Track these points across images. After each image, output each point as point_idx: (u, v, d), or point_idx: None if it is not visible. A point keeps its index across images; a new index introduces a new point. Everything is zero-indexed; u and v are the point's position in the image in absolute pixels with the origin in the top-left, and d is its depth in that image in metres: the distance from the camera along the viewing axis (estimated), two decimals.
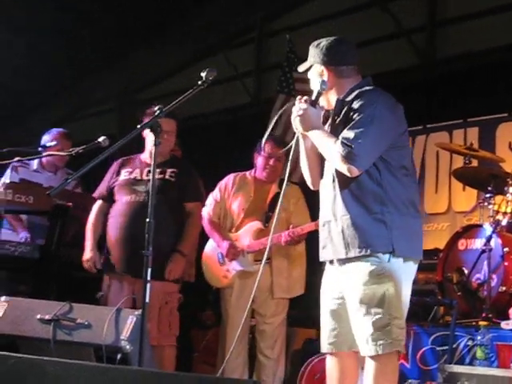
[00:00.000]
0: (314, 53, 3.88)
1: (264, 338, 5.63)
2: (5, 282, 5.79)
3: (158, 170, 5.31)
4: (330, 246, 3.82)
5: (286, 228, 5.50)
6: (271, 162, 5.79)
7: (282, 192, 4.06)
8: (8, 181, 5.73)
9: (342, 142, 3.62)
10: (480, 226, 5.94)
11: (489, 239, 5.50)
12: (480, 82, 7.87)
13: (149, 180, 5.20)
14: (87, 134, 4.97)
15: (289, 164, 3.93)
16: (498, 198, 5.96)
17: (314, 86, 3.86)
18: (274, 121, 4.28)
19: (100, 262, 5.34)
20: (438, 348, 5.29)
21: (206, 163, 8.25)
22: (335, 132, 3.77)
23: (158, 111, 3.88)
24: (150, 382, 2.97)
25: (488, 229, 5.68)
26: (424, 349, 5.35)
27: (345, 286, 3.77)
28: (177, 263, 5.29)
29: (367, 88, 3.82)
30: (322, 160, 3.89)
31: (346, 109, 3.78)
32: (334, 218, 3.78)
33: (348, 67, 3.87)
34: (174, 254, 5.29)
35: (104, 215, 5.44)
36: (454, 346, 5.16)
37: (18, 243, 5.63)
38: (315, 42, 3.92)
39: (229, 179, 5.91)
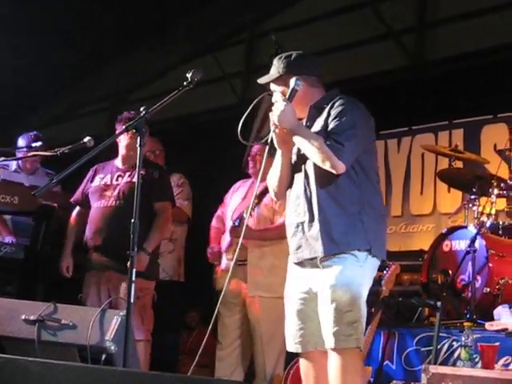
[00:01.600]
0: (285, 64, 3.98)
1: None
2: None
3: (126, 174, 5.54)
4: (306, 246, 3.87)
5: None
6: (251, 163, 5.90)
7: (255, 191, 4.32)
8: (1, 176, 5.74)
9: (333, 139, 3.73)
10: (465, 227, 5.96)
11: (473, 240, 5.52)
12: (465, 84, 7.91)
13: (117, 185, 5.50)
14: (80, 134, 4.97)
15: (264, 159, 3.99)
16: (483, 199, 5.99)
17: (276, 96, 3.93)
18: (246, 114, 4.27)
19: (71, 269, 5.50)
20: (422, 349, 5.31)
21: (193, 163, 8.26)
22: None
23: (144, 112, 3.89)
24: (135, 382, 2.97)
25: (472, 230, 5.71)
26: (408, 350, 5.37)
27: (318, 281, 3.83)
28: (139, 260, 5.22)
29: (342, 96, 3.97)
30: (292, 171, 3.99)
31: (324, 114, 3.89)
32: (310, 218, 3.84)
33: (317, 78, 4.03)
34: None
35: (82, 220, 5.60)
36: (439, 346, 5.17)
37: (3, 243, 5.62)
38: (283, 55, 4.04)
39: (233, 186, 6.02)
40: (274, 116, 3.82)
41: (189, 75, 3.91)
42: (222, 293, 4.23)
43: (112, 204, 5.44)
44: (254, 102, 4.15)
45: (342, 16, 9.51)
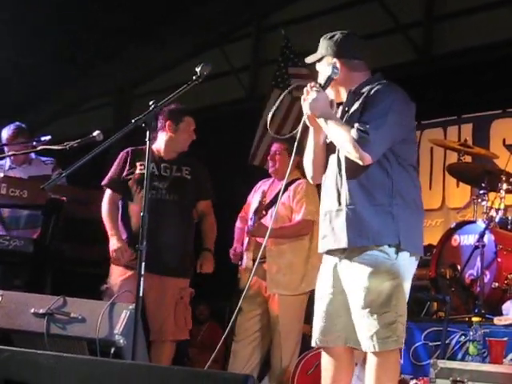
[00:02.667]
0: (327, 45, 3.86)
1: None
2: (5, 275, 5.79)
3: (174, 167, 5.35)
4: (331, 236, 3.75)
5: None
6: (270, 162, 5.87)
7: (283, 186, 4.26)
8: (2, 174, 5.72)
9: (359, 130, 3.58)
10: (473, 222, 5.94)
11: (482, 235, 5.51)
12: (475, 79, 7.89)
13: (167, 176, 5.28)
14: (85, 128, 4.97)
15: (293, 154, 3.94)
16: (492, 194, 5.98)
17: (324, 73, 3.82)
18: (272, 111, 4.24)
19: (128, 254, 5.15)
20: (430, 343, 5.31)
21: (200, 157, 8.24)
22: (347, 122, 3.72)
23: (153, 106, 3.89)
24: (144, 375, 2.97)
25: (481, 225, 5.69)
26: (417, 344, 5.36)
27: (348, 281, 3.71)
28: (209, 260, 5.37)
29: (382, 81, 3.82)
30: (327, 153, 3.86)
31: (360, 100, 3.75)
32: (338, 207, 3.72)
33: (359, 61, 3.87)
34: (203, 252, 5.37)
35: (116, 205, 5.33)
36: (447, 341, 5.17)
37: (12, 237, 5.63)
38: (328, 35, 3.89)
39: (255, 186, 6.03)
40: (305, 103, 3.72)
41: (198, 69, 3.89)
42: (244, 292, 4.25)
43: (163, 196, 5.21)
44: (283, 95, 4.11)
45: (349, 10, 9.51)
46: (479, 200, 6.01)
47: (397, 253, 3.65)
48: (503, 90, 7.52)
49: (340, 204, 3.72)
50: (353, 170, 3.69)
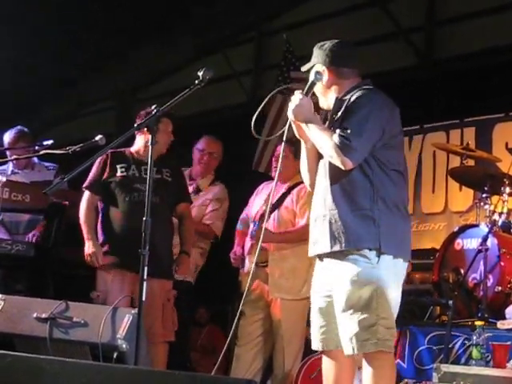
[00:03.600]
0: (317, 53, 3.94)
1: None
2: (1, 280, 5.79)
3: (154, 169, 5.31)
4: (319, 241, 3.83)
5: None
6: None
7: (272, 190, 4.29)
8: (4, 179, 5.72)
9: (340, 135, 3.64)
10: (476, 225, 5.93)
11: (485, 239, 5.49)
12: (477, 82, 7.88)
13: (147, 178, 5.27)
14: (86, 133, 4.96)
15: (281, 156, 4.03)
16: (495, 197, 5.95)
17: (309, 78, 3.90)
18: (259, 109, 4.27)
19: (101, 258, 5.21)
20: (434, 347, 5.30)
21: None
22: (331, 129, 3.78)
23: (155, 110, 3.89)
24: (146, 380, 2.97)
25: (484, 229, 5.68)
26: (420, 348, 5.35)
27: (333, 285, 3.78)
28: (185, 263, 5.41)
29: (365, 87, 3.86)
30: (319, 160, 3.92)
31: (343, 107, 3.81)
32: (324, 212, 3.80)
33: (349, 69, 3.93)
34: (181, 255, 5.41)
35: (94, 208, 5.35)
36: (450, 345, 5.16)
37: (14, 241, 5.62)
38: (319, 44, 3.97)
39: (257, 188, 6.02)
40: (289, 109, 3.81)
41: (200, 73, 3.90)
42: (244, 295, 4.28)
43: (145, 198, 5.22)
44: (266, 98, 4.14)
45: (351, 14, 9.51)
46: (482, 204, 5.99)
47: (378, 256, 3.69)
48: (506, 94, 7.51)
49: (325, 209, 3.80)
50: (336, 176, 3.78)
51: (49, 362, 3.14)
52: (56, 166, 6.32)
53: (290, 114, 3.82)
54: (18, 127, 6.36)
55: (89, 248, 5.19)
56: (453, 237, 6.03)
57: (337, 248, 3.72)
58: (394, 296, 3.75)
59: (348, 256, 3.71)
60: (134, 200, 5.21)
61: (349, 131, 3.64)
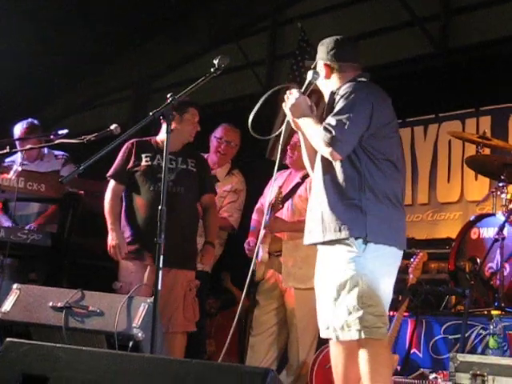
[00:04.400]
0: (319, 50, 4.11)
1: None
2: (17, 269, 5.81)
3: (179, 159, 5.34)
4: (311, 230, 3.97)
5: None
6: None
7: (273, 177, 4.38)
8: (20, 168, 5.72)
9: (325, 128, 3.76)
10: (493, 215, 5.92)
11: (502, 228, 5.47)
12: (493, 71, 7.82)
13: (173, 168, 5.26)
14: (103, 122, 4.96)
15: (279, 149, 4.19)
16: (511, 186, 5.94)
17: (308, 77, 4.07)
18: (261, 101, 4.30)
19: (125, 250, 5.20)
20: (450, 337, 5.29)
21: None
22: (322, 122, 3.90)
23: (171, 99, 3.89)
24: (162, 368, 2.97)
25: (501, 218, 5.65)
26: (436, 338, 5.35)
27: (324, 273, 3.93)
28: (210, 253, 5.44)
29: (358, 80, 3.98)
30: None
31: (335, 99, 3.93)
32: (317, 202, 3.92)
33: (347, 64, 4.04)
34: (205, 245, 5.43)
35: (119, 197, 5.33)
36: (467, 335, 5.15)
37: (30, 231, 5.63)
38: (321, 41, 4.12)
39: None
40: (285, 107, 3.98)
41: (216, 61, 3.92)
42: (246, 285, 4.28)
43: (171, 189, 5.10)
44: (264, 96, 4.20)
45: (366, 3, 9.45)
46: (498, 192, 5.98)
47: (365, 244, 3.77)
48: None
49: (318, 199, 3.91)
50: (327, 167, 3.90)
51: (64, 350, 3.14)
52: (66, 155, 6.32)
53: (287, 112, 3.99)
54: (29, 120, 6.35)
55: (112, 239, 5.18)
56: (469, 226, 6.01)
57: (328, 237, 3.83)
58: (384, 284, 3.82)
59: (337, 245, 3.82)
60: (157, 190, 5.15)
61: (333, 123, 3.75)
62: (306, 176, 5.62)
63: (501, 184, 5.90)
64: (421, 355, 5.32)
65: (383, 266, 3.83)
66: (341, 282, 3.77)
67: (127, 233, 5.27)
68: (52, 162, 6.30)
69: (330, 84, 4.04)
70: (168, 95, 3.92)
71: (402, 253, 3.93)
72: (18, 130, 6.27)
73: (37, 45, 9.79)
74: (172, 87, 9.62)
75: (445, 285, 5.99)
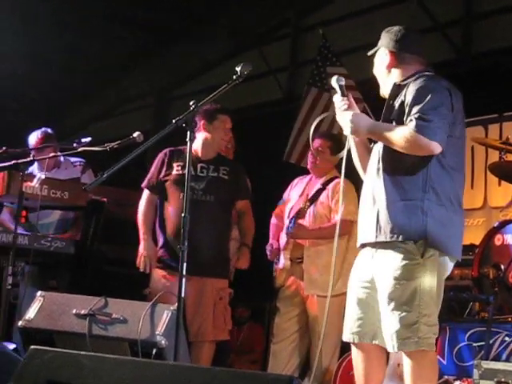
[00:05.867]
0: (383, 37, 3.94)
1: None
2: (40, 276, 5.82)
3: (211, 167, 5.33)
4: (365, 230, 3.78)
5: None
6: (311, 157, 5.82)
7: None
8: (43, 176, 5.74)
9: (417, 119, 3.55)
10: None
11: None
12: None
13: (204, 176, 5.25)
14: (124, 131, 4.97)
15: (343, 165, 3.93)
16: None
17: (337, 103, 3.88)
18: (318, 120, 4.27)
19: (155, 261, 5.21)
20: (474, 344, 5.24)
21: (238, 158, 8.26)
22: (389, 114, 3.76)
23: (193, 106, 3.89)
24: (186, 376, 2.96)
25: None
26: (460, 345, 5.30)
27: (377, 277, 3.71)
28: (245, 255, 5.40)
29: (427, 73, 3.80)
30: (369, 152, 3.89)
31: (403, 92, 3.74)
32: (373, 201, 3.72)
33: (411, 55, 3.87)
34: (241, 247, 5.43)
35: (153, 207, 5.35)
36: (491, 342, 5.10)
37: (54, 238, 5.65)
38: (387, 28, 3.96)
39: (291, 183, 5.99)
40: (345, 130, 3.78)
41: (238, 69, 3.92)
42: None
43: (200, 197, 5.18)
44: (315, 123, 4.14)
45: (387, 9, 9.45)
46: None
47: (424, 250, 3.60)
48: None
49: (374, 198, 3.72)
50: (390, 166, 3.69)
51: (88, 357, 3.14)
52: (83, 161, 6.30)
53: (348, 135, 3.80)
54: (43, 129, 6.31)
55: (143, 249, 5.21)
56: (493, 232, 5.97)
57: (381, 238, 3.65)
58: (438, 292, 3.67)
59: (393, 248, 3.63)
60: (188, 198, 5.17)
61: (425, 113, 3.54)
62: (327, 182, 5.61)
63: None
64: (445, 362, 5.29)
65: (438, 273, 3.66)
66: (398, 290, 3.59)
67: (160, 241, 5.30)
68: (70, 169, 6.28)
69: (391, 74, 3.86)
70: (190, 102, 3.93)
71: (454, 261, 3.78)
72: (33, 139, 6.25)
73: (60, 53, 9.85)
74: (193, 95, 9.62)
75: (468, 291, 5.94)
